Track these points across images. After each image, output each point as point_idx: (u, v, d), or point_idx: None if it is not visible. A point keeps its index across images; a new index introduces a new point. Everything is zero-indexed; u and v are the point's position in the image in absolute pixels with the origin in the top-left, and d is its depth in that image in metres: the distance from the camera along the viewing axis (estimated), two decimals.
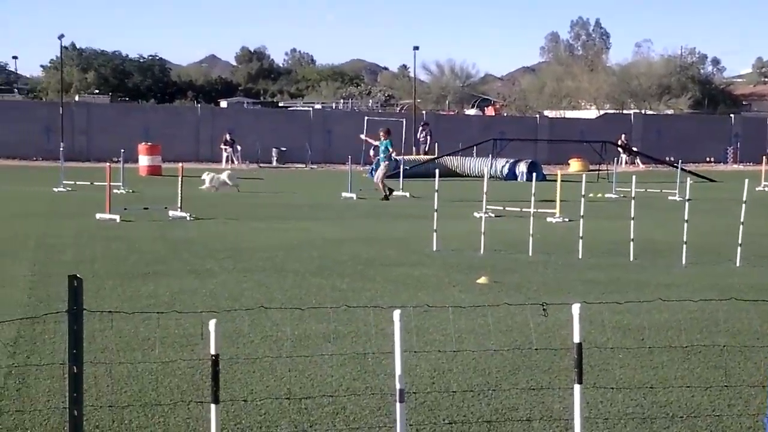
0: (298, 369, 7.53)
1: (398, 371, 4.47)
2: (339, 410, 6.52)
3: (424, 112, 57.62)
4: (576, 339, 4.86)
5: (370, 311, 9.46)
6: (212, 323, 4.20)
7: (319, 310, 9.59)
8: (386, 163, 26.74)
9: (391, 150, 27.05)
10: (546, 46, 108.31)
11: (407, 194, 27.35)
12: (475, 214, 19.90)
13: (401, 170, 29.83)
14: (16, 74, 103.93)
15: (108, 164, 20.51)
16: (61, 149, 33.23)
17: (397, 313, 4.50)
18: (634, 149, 49.07)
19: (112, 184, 20.11)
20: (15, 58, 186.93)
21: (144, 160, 37.02)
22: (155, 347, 8.02)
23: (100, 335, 8.25)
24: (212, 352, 4.20)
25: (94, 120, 47.43)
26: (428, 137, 45.83)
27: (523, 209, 19.35)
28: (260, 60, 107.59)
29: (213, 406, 4.28)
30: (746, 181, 14.53)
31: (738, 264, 13.85)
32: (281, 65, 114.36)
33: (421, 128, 46.28)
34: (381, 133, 27.29)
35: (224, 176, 28.46)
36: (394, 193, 27.65)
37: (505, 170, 37.28)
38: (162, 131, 45.84)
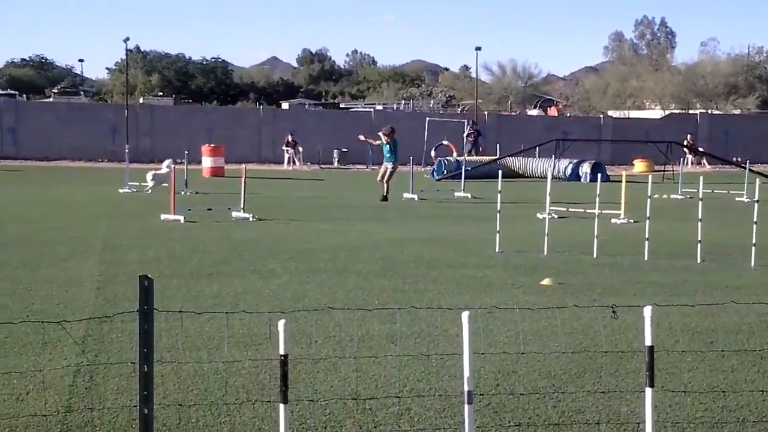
0: (362, 369, 7.52)
1: (467, 373, 4.43)
2: (403, 411, 6.49)
3: (486, 112, 57.38)
4: (648, 342, 4.78)
5: (433, 312, 9.43)
6: (281, 323, 4.20)
7: (383, 311, 9.58)
8: (391, 163, 26.03)
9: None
10: (610, 46, 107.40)
11: (469, 195, 27.24)
12: (538, 215, 19.75)
13: (463, 171, 29.69)
14: (82, 77, 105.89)
15: (174, 165, 20.72)
16: (126, 151, 33.66)
17: (465, 315, 4.47)
18: (701, 149, 48.32)
19: (176, 185, 20.32)
20: (81, 61, 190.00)
21: (207, 162, 37.37)
22: (221, 347, 8.08)
23: (167, 334, 8.32)
24: (281, 352, 4.21)
25: (157, 122, 48.04)
26: (477, 137, 45.10)
27: (587, 210, 19.16)
28: (321, 61, 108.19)
29: (282, 406, 4.29)
30: None
31: None
32: (342, 66, 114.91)
33: (469, 128, 45.40)
34: (383, 134, 26.71)
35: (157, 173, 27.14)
36: (456, 194, 27.57)
37: (568, 171, 36.95)
38: (224, 133, 46.26)
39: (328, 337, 8.66)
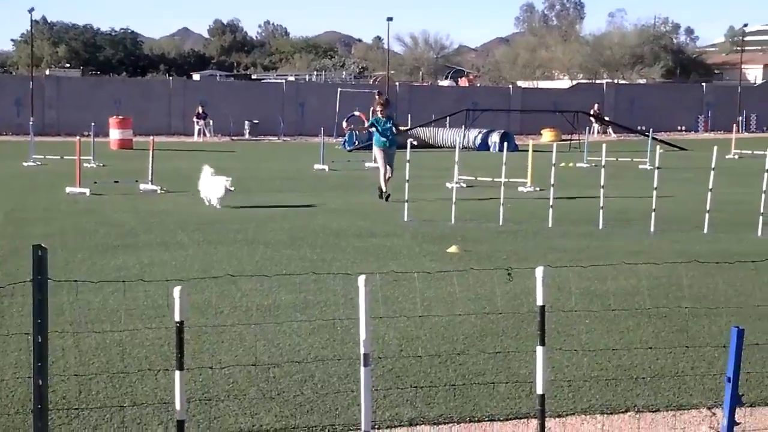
0: (267, 338, 7.56)
1: (363, 336, 4.51)
2: (307, 378, 6.56)
3: (397, 83, 57.49)
4: (539, 302, 4.92)
5: (339, 280, 9.50)
6: (177, 290, 4.22)
7: (290, 281, 9.61)
8: (389, 149, 18.73)
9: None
10: (521, 17, 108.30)
11: None
12: (447, 184, 19.95)
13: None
14: None
15: (78, 138, 20.37)
16: (31, 123, 32.92)
17: (362, 278, 4.54)
18: (607, 119, 49.20)
19: (82, 158, 19.98)
20: None
21: (115, 134, 36.75)
22: (123, 318, 8.03)
23: (69, 308, 8.23)
24: (177, 319, 4.22)
25: (64, 94, 46.99)
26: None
27: (495, 179, 19.42)
28: (233, 33, 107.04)
29: (177, 373, 4.31)
30: (714, 149, 14.65)
31: (706, 231, 13.98)
32: (254, 38, 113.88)
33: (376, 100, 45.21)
34: (377, 106, 19.15)
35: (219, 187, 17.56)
36: (367, 164, 27.64)
37: (478, 141, 37.32)
38: (133, 105, 45.49)
39: (234, 306, 8.67)
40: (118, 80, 64.52)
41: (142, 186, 19.89)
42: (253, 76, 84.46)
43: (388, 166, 18.33)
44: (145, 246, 12.27)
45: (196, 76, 76.80)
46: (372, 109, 40.30)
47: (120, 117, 37.97)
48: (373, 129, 18.67)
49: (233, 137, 45.14)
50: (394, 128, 18.64)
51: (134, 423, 5.66)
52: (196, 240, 12.87)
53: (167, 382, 6.29)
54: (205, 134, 44.20)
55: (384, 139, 18.32)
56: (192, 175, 23.95)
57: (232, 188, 16.71)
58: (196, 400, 6.01)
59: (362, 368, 4.55)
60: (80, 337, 7.37)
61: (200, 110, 44.41)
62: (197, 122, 44.36)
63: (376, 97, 19.43)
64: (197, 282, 9.36)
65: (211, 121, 44.70)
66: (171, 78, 62.21)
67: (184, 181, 21.91)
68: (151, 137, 22.82)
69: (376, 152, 18.71)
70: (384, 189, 18.31)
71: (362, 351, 4.55)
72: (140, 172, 21.35)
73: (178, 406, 4.36)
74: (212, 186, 16.92)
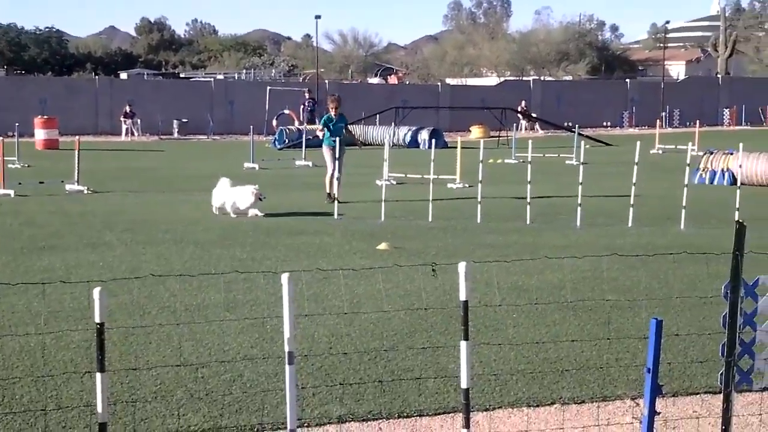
0: (195, 338, 7.52)
1: (287, 334, 4.52)
2: (236, 377, 6.54)
3: (327, 81, 57.42)
4: (462, 297, 4.97)
5: (269, 279, 9.47)
6: (96, 291, 4.17)
7: (219, 280, 9.56)
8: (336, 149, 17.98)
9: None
10: (449, 15, 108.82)
11: (310, 164, 27.31)
12: (377, 182, 20.00)
13: (303, 140, 29.73)
14: None
15: (1, 138, 19.99)
16: None
17: (285, 276, 4.54)
18: (534, 115, 49.74)
19: (6, 158, 19.62)
20: None
21: (40, 134, 36.10)
22: (48, 321, 7.92)
23: None
24: (97, 320, 4.18)
25: None
26: (313, 106, 44.65)
27: (424, 176, 19.52)
28: (161, 31, 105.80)
29: (99, 375, 4.26)
30: (638, 143, 14.92)
31: (630, 225, 14.24)
32: (182, 36, 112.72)
33: (305, 98, 44.75)
34: (330, 103, 18.69)
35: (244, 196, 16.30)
36: (297, 162, 27.59)
37: (408, 138, 37.47)
38: (59, 104, 44.72)
39: (162, 307, 8.60)
40: (43, 79, 63.26)
41: (68, 186, 19.60)
42: (182, 75, 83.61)
43: (338, 167, 17.75)
44: (71, 247, 12.10)
45: (123, 75, 75.79)
46: (303, 104, 40.28)
47: (45, 117, 37.32)
48: (324, 128, 18.12)
49: (162, 136, 44.66)
50: (345, 128, 18.42)
51: (59, 426, 5.59)
52: (124, 240, 12.73)
53: (92, 385, 6.20)
54: (133, 133, 43.65)
55: (334, 139, 17.84)
56: (120, 176, 23.71)
57: (264, 197, 15.74)
58: (122, 402, 5.95)
59: (287, 366, 4.56)
60: (4, 340, 7.25)
61: (128, 109, 43.85)
62: (125, 121, 43.79)
63: (327, 96, 18.81)
64: (125, 282, 9.27)
65: (138, 120, 44.16)
66: (98, 77, 61.24)
67: (112, 181, 21.65)
68: (77, 137, 22.46)
69: (326, 152, 18.08)
70: (329, 190, 17.70)
71: (286, 349, 4.56)
72: (66, 173, 21.04)
73: (99, 409, 4.31)
74: (238, 196, 15.75)
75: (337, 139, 17.65)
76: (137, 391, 6.22)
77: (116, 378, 6.43)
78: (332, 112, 18.24)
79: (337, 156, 17.67)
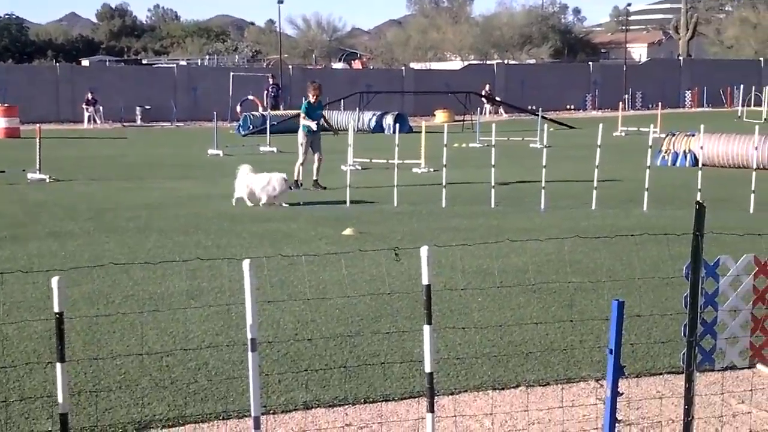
0: (159, 327, 7.48)
1: (249, 321, 4.51)
2: (201, 365, 6.52)
3: (291, 66, 57.18)
4: (425, 281, 4.99)
5: (234, 266, 9.42)
6: (54, 280, 4.14)
7: (184, 268, 9.51)
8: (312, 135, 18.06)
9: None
10: None
11: (274, 149, 27.19)
12: (342, 167, 19.96)
13: (268, 126, 29.61)
14: None
15: None
16: None
17: (246, 263, 4.53)
18: (498, 99, 49.84)
19: None
20: None
21: (1, 123, 35.67)
22: (11, 312, 7.84)
23: None
24: (56, 310, 4.14)
25: None
26: (277, 92, 44.45)
27: (389, 161, 19.52)
28: (122, 17, 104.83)
29: (59, 365, 4.23)
30: (600, 126, 14.99)
31: (594, 207, 14.33)
32: (144, 22, 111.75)
33: (269, 84, 44.45)
34: (311, 91, 18.28)
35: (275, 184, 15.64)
36: (261, 148, 27.47)
37: (372, 123, 37.43)
38: (20, 92, 44.17)
39: (126, 296, 8.55)
40: (3, 67, 62.44)
41: (30, 175, 19.39)
42: (144, 61, 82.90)
43: (317, 152, 17.69)
44: (33, 237, 11.98)
45: (85, 62, 74.94)
46: (267, 90, 39.83)
47: (6, 105, 36.88)
48: (305, 115, 17.75)
49: (124, 124, 44.29)
50: (322, 115, 18.27)
51: (21, 417, 5.55)
52: (87, 229, 12.63)
53: (55, 375, 6.16)
54: (95, 121, 43.26)
55: (313, 126, 17.68)
56: (83, 164, 23.48)
57: (293, 187, 15.33)
58: (86, 392, 5.91)
59: (249, 354, 4.55)
60: None
61: (90, 97, 43.44)
62: (87, 109, 43.38)
63: (309, 83, 18.27)
64: (88, 271, 9.20)
65: (101, 108, 43.77)
66: (59, 64, 60.53)
67: (74, 170, 21.45)
68: (38, 125, 22.22)
69: (302, 138, 17.78)
70: (297, 177, 17.47)
71: (249, 336, 4.55)
72: (28, 162, 20.81)
73: (60, 399, 4.29)
74: (264, 184, 15.21)
75: (315, 124, 17.54)
76: (101, 380, 6.18)
77: (80, 368, 6.38)
78: (312, 100, 17.93)
79: (311, 144, 17.60)
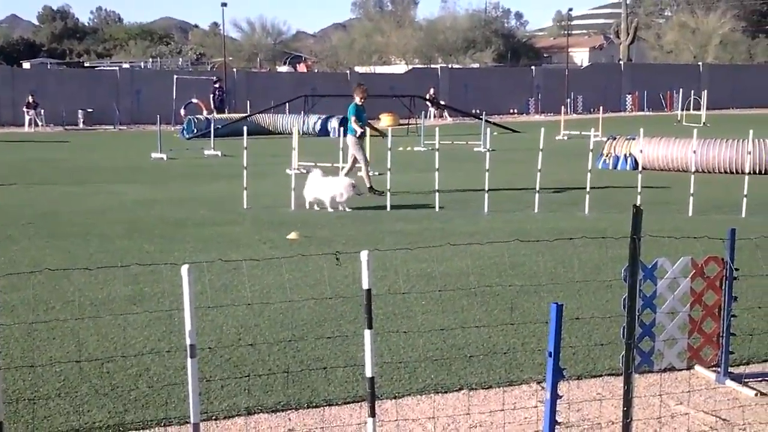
0: (100, 333, 7.40)
1: (188, 327, 4.49)
2: (142, 371, 6.46)
3: (235, 70, 56.92)
4: (365, 285, 5.01)
5: (177, 271, 9.35)
6: None
7: (126, 273, 9.42)
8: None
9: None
10: (357, 2, 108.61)
11: (219, 153, 27.04)
12: (287, 170, 19.91)
13: (212, 129, 29.44)
14: None
15: None
16: None
17: (185, 268, 4.52)
18: (442, 103, 50.09)
19: None
20: None
21: None
22: None
23: None
24: None
25: None
26: (222, 95, 44.15)
27: (334, 164, 19.51)
28: (64, 19, 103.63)
29: None
30: (543, 130, 15.14)
31: (536, 210, 14.46)
32: (87, 24, 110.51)
33: (215, 86, 44.16)
34: (359, 93, 17.49)
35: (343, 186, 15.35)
36: (206, 152, 27.29)
37: (317, 126, 37.40)
38: None
39: (66, 301, 8.44)
40: None
41: None
42: (87, 64, 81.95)
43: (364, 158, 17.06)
44: None
45: (26, 65, 73.91)
46: (214, 93, 39.75)
47: None
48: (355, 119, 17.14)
49: (66, 127, 43.74)
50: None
51: None
52: (27, 234, 12.45)
53: None
54: (36, 124, 42.68)
55: (362, 130, 17.10)
56: (23, 168, 23.13)
57: (361, 193, 15.27)
58: (24, 400, 5.83)
59: (189, 360, 4.53)
60: None
61: (30, 99, 42.86)
62: (27, 112, 42.80)
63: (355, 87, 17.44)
64: (28, 277, 9.07)
65: (42, 111, 43.19)
66: None
67: (14, 174, 21.14)
68: None
69: (356, 143, 17.04)
70: (369, 183, 16.86)
71: (188, 342, 4.53)
72: None
73: None
74: (332, 188, 15.05)
75: (367, 129, 17.14)
76: (39, 388, 6.10)
77: (18, 375, 6.30)
78: (359, 102, 17.20)
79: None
